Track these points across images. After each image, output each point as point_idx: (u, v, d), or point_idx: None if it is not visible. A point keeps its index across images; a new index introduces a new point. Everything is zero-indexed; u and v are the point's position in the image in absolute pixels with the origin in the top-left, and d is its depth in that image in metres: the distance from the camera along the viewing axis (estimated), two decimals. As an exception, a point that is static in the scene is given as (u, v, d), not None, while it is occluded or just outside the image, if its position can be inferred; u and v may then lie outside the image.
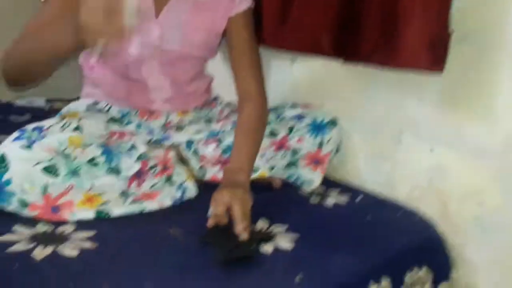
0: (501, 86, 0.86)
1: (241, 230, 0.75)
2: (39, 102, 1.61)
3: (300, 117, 1.06)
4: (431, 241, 0.93)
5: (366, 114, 1.09)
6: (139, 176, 0.89)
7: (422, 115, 0.98)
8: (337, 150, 1.10)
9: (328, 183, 1.07)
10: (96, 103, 1.00)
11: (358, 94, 1.10)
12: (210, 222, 0.78)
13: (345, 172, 1.14)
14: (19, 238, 0.70)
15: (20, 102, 1.59)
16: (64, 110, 0.99)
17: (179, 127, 1.06)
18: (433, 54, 0.87)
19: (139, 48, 0.93)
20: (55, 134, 0.81)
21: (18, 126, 1.25)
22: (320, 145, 1.05)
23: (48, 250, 0.68)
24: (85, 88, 1.06)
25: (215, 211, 0.78)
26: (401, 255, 0.84)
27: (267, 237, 0.79)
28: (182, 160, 1.01)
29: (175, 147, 1.02)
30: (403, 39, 0.88)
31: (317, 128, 1.05)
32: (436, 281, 0.88)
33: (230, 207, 0.78)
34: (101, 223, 0.79)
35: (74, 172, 0.79)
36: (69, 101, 1.59)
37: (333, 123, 1.06)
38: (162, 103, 1.03)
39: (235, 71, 1.02)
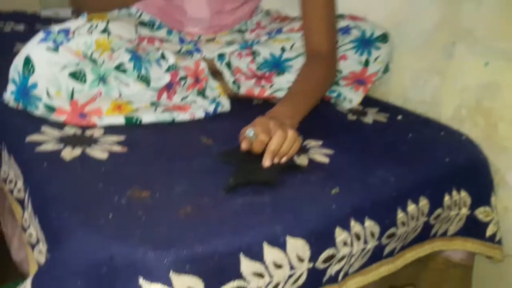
0: None
1: (267, 157, 0.66)
2: (65, 12, 1.55)
3: (346, 30, 0.97)
4: (475, 163, 0.87)
5: (416, 25, 1.00)
6: (169, 88, 0.85)
7: (479, 24, 0.89)
8: (385, 71, 1.01)
9: (367, 101, 1.01)
10: (127, 6, 0.93)
11: (407, 2, 1.00)
12: (244, 145, 0.68)
13: (387, 90, 1.07)
14: (47, 138, 0.69)
15: (45, 13, 1.54)
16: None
17: (210, 39, 0.99)
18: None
19: None
20: (82, 37, 0.76)
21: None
22: (366, 63, 0.96)
23: (77, 151, 0.66)
24: None
25: (259, 137, 0.67)
26: (442, 176, 0.79)
27: (296, 167, 0.70)
28: (215, 73, 0.96)
29: (206, 59, 0.96)
30: None
31: (365, 44, 0.96)
32: (473, 205, 0.84)
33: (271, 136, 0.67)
34: (131, 129, 0.76)
35: (102, 79, 0.75)
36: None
37: (383, 38, 0.96)
38: (197, 30, 0.95)
39: (306, 24, 0.90)
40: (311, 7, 0.89)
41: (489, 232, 0.86)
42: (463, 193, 0.82)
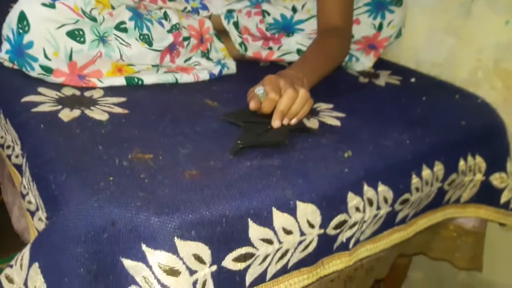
0: None
1: (276, 117, 0.62)
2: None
3: None
4: (491, 128, 0.83)
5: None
6: (172, 49, 0.80)
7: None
8: (398, 35, 0.96)
9: (379, 63, 0.97)
10: None
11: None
12: (252, 105, 0.64)
13: (399, 52, 1.02)
14: (44, 99, 0.65)
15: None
16: None
17: None
18: None
19: None
20: None
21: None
22: (380, 28, 0.92)
23: (76, 112, 0.63)
24: None
25: (268, 95, 0.63)
26: (458, 140, 0.76)
27: (306, 129, 0.67)
28: (221, 32, 0.91)
29: (213, 16, 0.91)
30: None
31: (379, 7, 0.91)
32: (489, 171, 0.81)
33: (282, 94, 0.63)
34: (132, 90, 0.72)
35: (102, 39, 0.71)
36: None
37: (398, 1, 0.91)
38: None
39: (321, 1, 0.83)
40: None
41: (503, 198, 0.83)
42: (478, 158, 0.79)
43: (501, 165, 0.83)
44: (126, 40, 0.73)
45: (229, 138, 0.61)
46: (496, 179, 0.82)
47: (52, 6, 0.66)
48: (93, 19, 0.70)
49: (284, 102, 0.62)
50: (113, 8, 0.74)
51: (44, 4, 0.66)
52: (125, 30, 0.73)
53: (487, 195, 0.82)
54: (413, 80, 0.91)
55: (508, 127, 0.85)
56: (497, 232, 0.91)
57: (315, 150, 0.62)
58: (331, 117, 0.72)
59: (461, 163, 0.76)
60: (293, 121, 0.64)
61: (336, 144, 0.64)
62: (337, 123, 0.71)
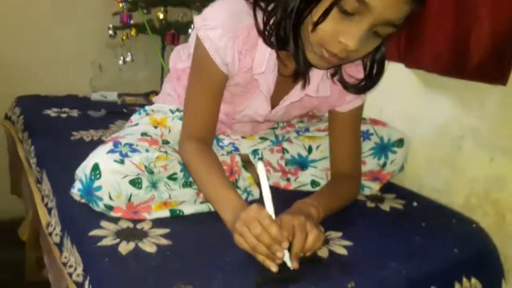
0: None
1: (293, 259, 0.73)
2: (112, 96, 1.74)
3: (367, 136, 1.07)
4: (485, 252, 0.94)
5: (428, 119, 1.11)
6: None
7: (484, 122, 0.99)
8: (400, 170, 1.11)
9: (385, 186, 1.11)
10: (178, 110, 1.06)
11: (421, 96, 1.12)
12: None
13: (403, 177, 1.16)
14: (106, 233, 0.81)
15: (94, 96, 1.73)
16: (154, 109, 1.08)
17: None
18: (497, 68, 0.88)
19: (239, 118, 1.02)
20: (144, 151, 0.87)
21: (96, 121, 1.40)
22: (384, 165, 1.08)
23: (131, 245, 0.78)
24: (166, 87, 1.14)
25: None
26: (453, 265, 0.87)
27: (317, 260, 0.79)
28: (247, 163, 1.08)
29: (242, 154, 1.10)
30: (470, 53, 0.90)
31: (383, 149, 1.07)
32: (484, 293, 0.90)
33: (294, 234, 0.74)
34: (174, 222, 0.88)
35: (154, 185, 0.87)
36: (136, 95, 1.74)
37: (399, 143, 1.07)
38: (237, 137, 1.11)
39: (334, 146, 1.01)
40: (342, 133, 1.00)
41: (500, 318, 0.92)
42: (474, 280, 0.89)
43: (497, 287, 0.92)
44: (172, 186, 0.90)
45: (251, 269, 0.74)
46: (493, 300, 0.91)
47: (122, 162, 0.84)
48: (151, 172, 0.87)
49: (297, 246, 0.74)
50: (168, 162, 0.90)
51: (115, 161, 0.84)
52: (175, 179, 0.91)
53: (486, 314, 0.91)
54: (415, 204, 1.04)
55: (501, 250, 0.95)
56: None
57: (324, 281, 0.74)
58: (340, 245, 0.85)
59: (457, 286, 0.86)
60: (306, 254, 0.78)
61: (342, 275, 0.76)
62: (344, 252, 0.83)
